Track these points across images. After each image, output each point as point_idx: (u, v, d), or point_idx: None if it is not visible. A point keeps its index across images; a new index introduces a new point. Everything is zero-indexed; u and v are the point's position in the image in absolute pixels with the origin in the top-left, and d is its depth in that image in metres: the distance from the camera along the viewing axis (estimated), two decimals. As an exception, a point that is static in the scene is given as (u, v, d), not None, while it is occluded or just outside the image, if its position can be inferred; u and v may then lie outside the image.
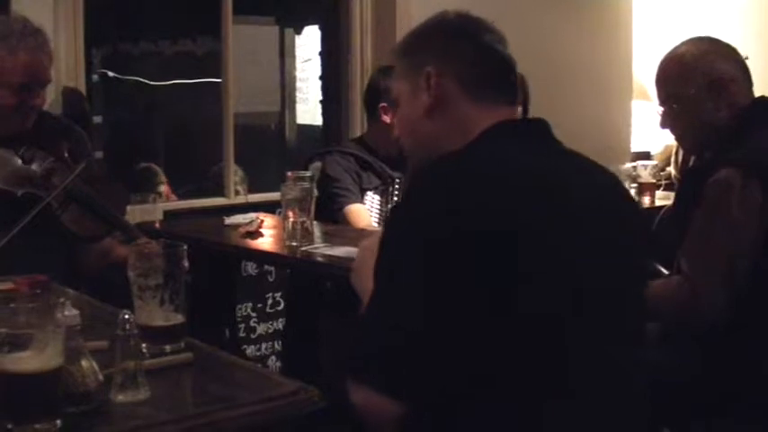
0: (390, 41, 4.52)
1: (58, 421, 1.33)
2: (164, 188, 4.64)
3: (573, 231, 1.50)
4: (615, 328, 1.57)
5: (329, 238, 2.99)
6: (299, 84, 6.28)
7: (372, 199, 3.54)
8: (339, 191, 3.49)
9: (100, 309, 2.01)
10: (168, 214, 3.76)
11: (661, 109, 2.46)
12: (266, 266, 4.23)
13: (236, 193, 4.40)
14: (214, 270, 3.33)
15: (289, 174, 3.01)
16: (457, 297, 1.41)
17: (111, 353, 1.52)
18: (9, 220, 2.47)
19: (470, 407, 1.46)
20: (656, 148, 5.48)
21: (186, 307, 1.73)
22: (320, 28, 5.76)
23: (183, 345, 1.72)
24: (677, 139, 2.63)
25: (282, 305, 4.31)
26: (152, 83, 5.72)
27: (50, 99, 2.96)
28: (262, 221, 3.19)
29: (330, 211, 3.45)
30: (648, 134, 5.40)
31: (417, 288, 1.44)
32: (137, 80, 5.70)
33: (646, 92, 5.34)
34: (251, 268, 4.23)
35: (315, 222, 3.01)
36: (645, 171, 4.69)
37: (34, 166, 2.73)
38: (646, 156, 5.43)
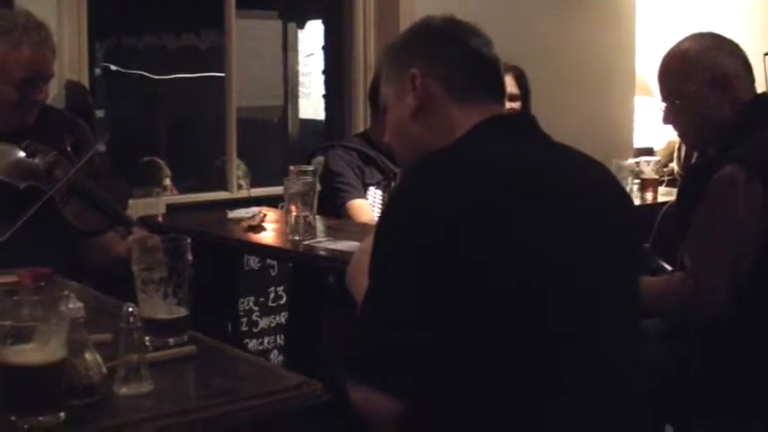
0: (394, 35, 4.50)
1: (62, 414, 1.34)
2: (168, 181, 4.64)
3: (561, 224, 1.50)
4: (609, 322, 1.57)
5: (332, 233, 2.99)
6: (301, 78, 6.27)
7: (375, 194, 3.54)
8: (342, 185, 3.49)
9: (103, 302, 2.02)
10: (171, 208, 3.76)
11: (664, 105, 2.46)
12: (269, 260, 4.23)
13: (239, 187, 4.40)
14: (217, 264, 3.34)
15: (291, 168, 3.01)
16: (449, 293, 1.42)
17: (115, 346, 1.52)
18: (12, 213, 2.47)
19: (468, 404, 1.46)
20: (658, 144, 5.47)
21: (189, 300, 1.74)
22: (323, 22, 5.75)
23: (186, 338, 1.73)
24: (680, 135, 2.62)
25: (285, 299, 4.31)
26: (155, 77, 5.71)
27: (53, 93, 2.96)
28: (264, 215, 3.19)
29: (333, 205, 3.45)
30: (651, 130, 5.40)
31: (410, 285, 1.45)
32: (140, 74, 5.69)
33: (648, 88, 5.33)
34: (253, 262, 4.24)
35: (317, 217, 3.01)
36: (647, 167, 4.68)
37: (37, 160, 2.73)
38: (648, 152, 5.42)
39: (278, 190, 3.33)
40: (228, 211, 3.35)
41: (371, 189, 3.54)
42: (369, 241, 1.81)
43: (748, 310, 2.19)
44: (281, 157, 6.09)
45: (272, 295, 4.34)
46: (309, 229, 2.88)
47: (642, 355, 1.66)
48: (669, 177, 5.03)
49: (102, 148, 3.02)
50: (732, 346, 2.23)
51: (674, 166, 5.05)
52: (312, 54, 6.10)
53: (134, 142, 5.41)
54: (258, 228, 3.11)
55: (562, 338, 1.48)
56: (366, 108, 4.42)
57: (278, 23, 6.05)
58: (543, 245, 1.46)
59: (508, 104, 2.63)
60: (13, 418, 1.32)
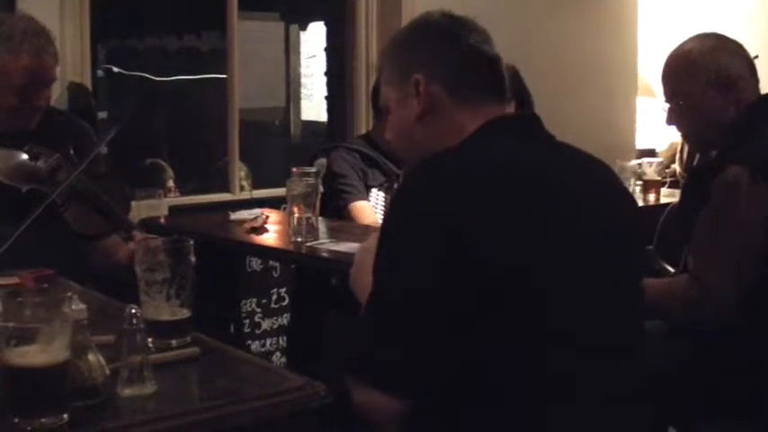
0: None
1: (65, 415, 1.34)
2: (171, 183, 4.64)
3: (563, 226, 1.50)
4: (611, 323, 1.56)
5: (334, 234, 2.99)
6: (303, 80, 6.27)
7: (377, 196, 3.54)
8: (344, 187, 3.49)
9: (106, 303, 2.02)
10: (174, 210, 3.77)
11: (667, 106, 2.45)
12: (271, 262, 4.23)
13: (242, 188, 4.40)
14: (219, 265, 3.33)
15: (294, 169, 3.01)
16: (453, 294, 1.42)
17: (118, 347, 1.52)
18: (14, 216, 2.47)
19: (470, 405, 1.46)
20: (661, 146, 5.47)
21: (192, 302, 1.74)
22: (325, 24, 5.76)
23: (189, 339, 1.72)
24: (683, 136, 2.62)
25: (287, 301, 4.31)
26: (157, 78, 5.72)
27: (56, 94, 2.96)
28: (267, 217, 3.19)
29: (335, 207, 3.45)
30: (653, 131, 5.40)
31: (414, 286, 1.45)
32: (142, 75, 5.70)
33: (651, 89, 5.33)
34: (256, 264, 4.24)
35: (320, 218, 3.01)
36: (650, 168, 4.68)
37: (40, 163, 2.73)
38: (651, 153, 5.42)
39: (280, 191, 3.34)
40: (231, 213, 3.35)
41: (374, 191, 3.54)
42: (372, 240, 1.81)
43: (752, 312, 2.18)
44: (283, 159, 6.09)
45: (274, 297, 4.34)
46: (312, 231, 2.88)
47: (644, 356, 1.65)
48: (671, 179, 5.03)
49: (104, 150, 3.02)
50: (735, 348, 2.23)
51: (676, 167, 5.05)
52: (314, 56, 6.10)
53: (135, 143, 5.41)
54: (261, 229, 3.11)
55: (563, 339, 1.48)
56: (368, 110, 4.43)
57: (280, 25, 6.05)
58: (545, 246, 1.46)
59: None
60: (16, 420, 1.32)
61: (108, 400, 1.43)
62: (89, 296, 1.95)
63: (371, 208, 3.51)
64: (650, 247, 2.82)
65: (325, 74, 5.70)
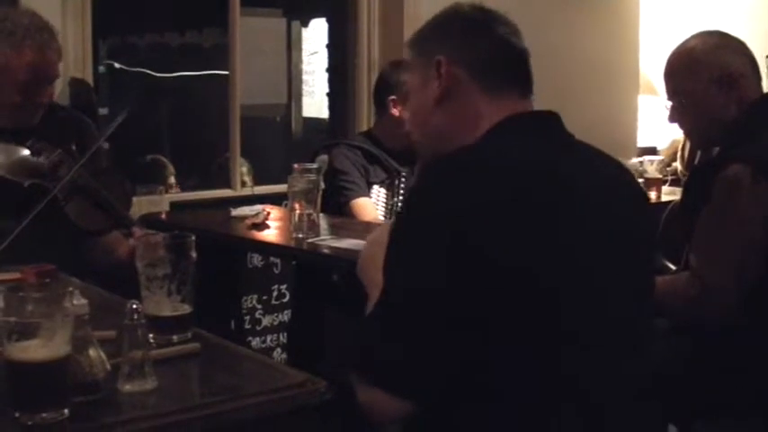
0: (398, 34, 4.52)
1: (66, 410, 1.34)
2: (173, 179, 4.64)
3: (575, 225, 1.49)
4: (621, 321, 1.56)
5: (335, 231, 2.99)
6: (305, 76, 6.27)
7: (378, 192, 3.55)
8: (346, 184, 3.49)
9: (107, 299, 2.02)
10: (175, 206, 3.77)
11: (669, 103, 2.45)
12: (272, 258, 4.23)
13: (243, 184, 4.40)
14: (220, 261, 3.33)
15: (295, 166, 3.01)
16: (466, 293, 1.41)
17: (119, 342, 1.52)
18: (16, 211, 2.47)
19: (475, 405, 1.46)
20: (662, 144, 5.47)
21: (193, 298, 1.74)
22: (327, 21, 5.76)
23: (190, 335, 1.72)
24: (685, 133, 2.62)
25: (288, 297, 4.31)
26: (158, 74, 5.72)
27: (57, 90, 2.96)
28: (268, 213, 3.19)
29: (336, 203, 3.45)
30: (655, 129, 5.40)
31: (420, 285, 1.44)
32: (143, 72, 5.70)
33: (652, 87, 5.33)
34: (257, 260, 4.24)
35: (321, 215, 3.01)
36: (651, 166, 4.68)
37: (41, 158, 2.74)
38: (652, 151, 5.42)
39: (282, 188, 3.34)
40: (232, 209, 3.35)
41: (375, 187, 3.55)
42: (380, 232, 1.81)
43: (753, 311, 2.18)
44: (284, 155, 6.09)
45: (275, 293, 4.34)
46: (313, 227, 2.88)
47: (651, 354, 1.65)
48: (672, 177, 5.03)
49: (106, 145, 3.02)
50: (736, 346, 2.23)
51: (677, 165, 5.05)
52: (316, 52, 6.10)
53: (137, 139, 5.42)
54: (262, 225, 3.11)
55: (572, 338, 1.47)
56: (370, 107, 4.42)
57: (282, 21, 6.04)
58: (554, 246, 1.45)
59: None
60: (16, 415, 1.32)
61: (109, 396, 1.43)
62: (90, 291, 1.95)
63: (373, 205, 3.51)
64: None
65: (327, 70, 5.70)
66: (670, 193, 4.55)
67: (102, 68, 5.37)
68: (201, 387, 1.63)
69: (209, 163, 4.88)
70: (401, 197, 3.53)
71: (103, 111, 5.00)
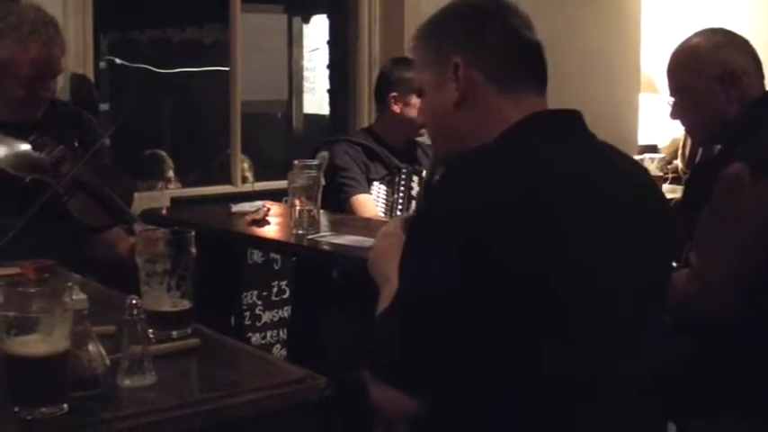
0: (399, 31, 4.51)
1: (65, 405, 1.34)
2: (171, 174, 4.64)
3: (594, 230, 1.48)
4: (632, 323, 1.55)
5: (336, 227, 2.99)
6: (306, 73, 6.28)
7: (379, 189, 3.54)
8: (346, 180, 3.49)
9: (107, 294, 2.02)
10: (175, 201, 3.77)
11: (672, 100, 2.45)
12: (272, 254, 4.23)
13: (243, 180, 4.40)
14: (220, 257, 3.33)
15: (296, 162, 3.00)
16: (473, 294, 1.40)
17: (118, 338, 1.52)
18: (17, 206, 2.47)
19: (485, 405, 1.46)
20: (663, 141, 5.47)
21: (193, 293, 1.74)
22: (328, 17, 5.76)
23: (189, 331, 1.72)
24: (687, 130, 2.62)
25: (288, 293, 4.31)
26: (159, 70, 5.72)
27: (59, 85, 2.96)
28: (268, 209, 3.19)
29: (337, 200, 3.45)
30: (656, 127, 5.39)
31: (434, 284, 1.43)
32: (144, 67, 5.70)
33: (653, 85, 5.33)
34: (257, 256, 4.23)
35: (321, 211, 3.01)
36: (652, 164, 4.69)
37: (44, 154, 2.74)
38: (653, 149, 5.42)
39: (282, 184, 3.33)
40: (232, 205, 3.35)
41: (375, 184, 3.54)
42: (392, 226, 1.80)
43: (753, 310, 2.18)
44: (285, 152, 6.10)
45: (275, 289, 4.34)
46: (313, 224, 2.88)
47: (659, 353, 1.65)
48: (673, 175, 5.03)
49: (107, 141, 3.02)
50: (736, 346, 2.23)
51: (678, 163, 5.05)
52: (317, 49, 6.11)
53: (138, 136, 5.43)
54: (262, 221, 3.11)
55: (580, 339, 1.47)
56: (371, 103, 4.42)
57: (283, 18, 6.05)
58: (567, 248, 1.44)
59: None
60: (16, 409, 1.32)
61: (108, 391, 1.43)
62: (90, 286, 1.95)
63: (373, 201, 3.51)
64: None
65: (328, 67, 5.71)
66: (671, 191, 4.54)
67: (102, 64, 5.37)
68: (201, 383, 1.63)
69: (209, 159, 4.88)
70: (401, 194, 3.53)
71: (104, 106, 5.00)
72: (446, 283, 1.42)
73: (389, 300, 1.52)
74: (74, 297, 1.38)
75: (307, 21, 6.20)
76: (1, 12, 2.71)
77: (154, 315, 1.66)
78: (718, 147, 2.46)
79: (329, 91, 5.79)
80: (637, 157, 4.78)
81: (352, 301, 2.90)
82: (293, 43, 6.13)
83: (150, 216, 3.17)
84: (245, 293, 4.16)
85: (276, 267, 4.31)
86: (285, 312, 4.32)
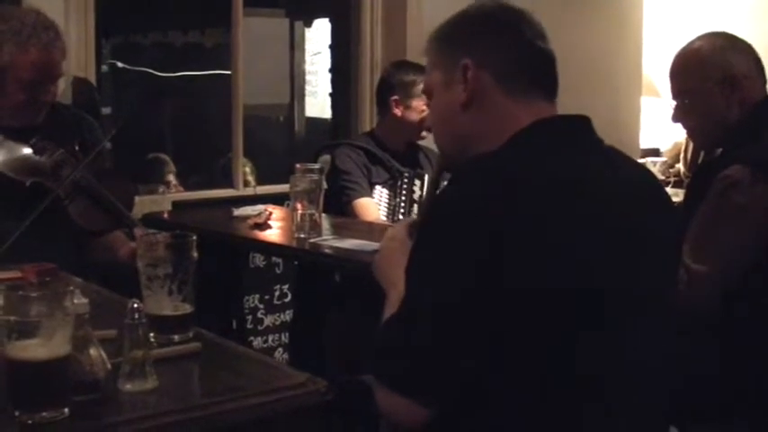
0: (400, 35, 4.51)
1: (66, 409, 1.33)
2: (172, 177, 4.64)
3: (602, 235, 1.48)
4: (642, 330, 1.55)
5: (338, 231, 2.99)
6: (308, 77, 6.29)
7: (381, 193, 3.54)
8: (348, 184, 3.49)
9: (108, 298, 2.01)
10: (177, 205, 3.77)
11: (674, 103, 2.45)
12: (274, 258, 4.23)
13: (245, 184, 4.40)
14: (222, 261, 3.33)
15: (298, 166, 3.01)
16: (493, 303, 1.40)
17: (120, 342, 1.52)
18: (18, 209, 2.47)
19: (494, 413, 1.45)
20: (664, 145, 5.47)
21: (194, 297, 1.73)
22: (330, 21, 5.76)
23: (191, 335, 1.72)
24: (689, 134, 2.62)
25: (290, 297, 4.31)
26: (161, 74, 5.72)
27: (60, 89, 2.96)
28: (270, 213, 3.19)
29: (339, 203, 3.45)
30: (657, 131, 5.39)
31: (452, 293, 1.42)
32: (146, 71, 5.70)
33: (655, 88, 5.33)
34: (259, 260, 4.24)
35: (323, 215, 3.01)
36: (654, 168, 4.68)
37: (44, 158, 2.74)
38: (655, 152, 5.42)
39: (284, 188, 3.33)
40: (234, 209, 3.35)
41: (377, 188, 3.54)
42: (397, 229, 1.80)
43: (753, 309, 2.18)
44: (287, 155, 6.10)
45: (277, 293, 4.34)
46: (315, 227, 2.88)
47: (672, 363, 1.64)
48: (675, 178, 5.04)
49: (108, 145, 3.02)
50: (736, 345, 2.22)
51: (680, 167, 5.05)
52: (319, 52, 6.11)
53: (140, 139, 5.43)
54: (264, 225, 3.11)
55: (591, 346, 1.47)
56: (373, 107, 4.42)
57: (285, 21, 6.06)
58: (575, 256, 1.44)
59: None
60: (16, 414, 1.32)
61: (109, 395, 1.42)
62: (91, 290, 1.95)
63: (375, 205, 3.51)
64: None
65: (330, 71, 5.71)
66: (673, 195, 4.51)
67: (105, 68, 5.38)
68: (202, 387, 1.62)
69: (211, 162, 4.89)
70: (403, 197, 3.53)
71: (106, 110, 5.01)
72: (454, 289, 1.42)
73: (396, 306, 1.52)
74: (75, 301, 1.37)
75: (309, 25, 6.21)
76: (1, 16, 2.71)
77: (155, 319, 1.66)
78: (720, 150, 2.46)
79: (331, 95, 5.79)
80: (639, 161, 4.79)
81: (354, 304, 2.90)
82: (295, 47, 6.14)
83: (151, 220, 3.17)
84: (246, 297, 4.16)
85: (278, 271, 4.31)
86: (287, 316, 4.33)
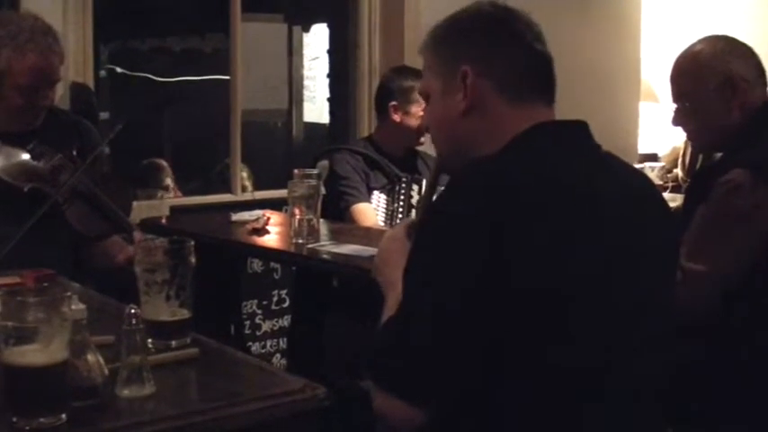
0: (398, 40, 4.51)
1: (64, 415, 1.33)
2: (170, 182, 4.64)
3: (600, 240, 1.48)
4: (641, 332, 1.55)
5: (335, 236, 2.99)
6: (306, 82, 6.29)
7: (379, 198, 3.54)
8: (346, 189, 3.49)
9: (106, 303, 2.01)
10: (175, 210, 3.76)
11: (674, 106, 2.45)
12: (272, 263, 4.23)
13: (243, 189, 4.40)
14: (220, 266, 3.33)
15: (296, 171, 3.01)
16: (491, 306, 1.40)
17: (117, 347, 1.51)
18: (16, 214, 2.47)
19: (490, 415, 1.45)
20: (663, 150, 5.47)
21: (192, 302, 1.73)
22: (328, 26, 5.77)
23: (188, 340, 1.72)
24: (689, 137, 2.62)
25: (288, 302, 4.31)
26: (160, 79, 5.72)
27: (59, 94, 2.96)
28: (268, 218, 3.19)
29: (337, 209, 3.45)
30: (656, 136, 5.40)
31: (451, 294, 1.42)
32: (145, 76, 5.70)
33: (653, 93, 5.33)
34: (257, 265, 4.23)
35: (321, 220, 3.01)
36: (652, 173, 4.69)
37: (42, 163, 2.74)
38: (653, 157, 5.42)
39: (282, 193, 3.33)
40: (232, 214, 3.35)
41: (375, 193, 3.54)
42: (398, 229, 1.80)
43: (753, 309, 2.18)
44: (285, 161, 6.11)
45: (275, 298, 4.34)
46: (313, 233, 2.88)
47: (671, 366, 1.64)
48: (673, 183, 5.04)
49: (106, 150, 3.02)
50: (735, 350, 2.22)
51: (678, 171, 5.05)
52: (317, 58, 6.12)
53: (138, 144, 5.43)
54: (262, 231, 3.11)
55: (590, 348, 1.47)
56: (371, 112, 4.42)
57: (283, 27, 6.06)
58: (572, 260, 1.44)
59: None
60: (14, 419, 1.32)
61: (107, 401, 1.42)
62: (89, 296, 1.95)
63: (373, 210, 3.50)
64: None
65: (328, 76, 5.72)
66: (671, 200, 4.53)
67: (103, 73, 5.38)
68: (200, 392, 1.62)
69: (209, 168, 4.89)
70: (401, 203, 3.53)
71: (104, 115, 5.01)
72: (454, 291, 1.42)
73: (395, 307, 1.52)
74: (72, 307, 1.37)
75: (307, 30, 6.21)
76: None
77: (153, 324, 1.66)
78: (719, 154, 2.46)
79: (329, 100, 5.80)
80: (637, 166, 4.79)
81: (352, 309, 2.90)
82: (293, 52, 6.14)
83: (149, 225, 3.17)
84: (244, 303, 4.16)
85: (276, 276, 4.31)
86: (285, 321, 4.32)
